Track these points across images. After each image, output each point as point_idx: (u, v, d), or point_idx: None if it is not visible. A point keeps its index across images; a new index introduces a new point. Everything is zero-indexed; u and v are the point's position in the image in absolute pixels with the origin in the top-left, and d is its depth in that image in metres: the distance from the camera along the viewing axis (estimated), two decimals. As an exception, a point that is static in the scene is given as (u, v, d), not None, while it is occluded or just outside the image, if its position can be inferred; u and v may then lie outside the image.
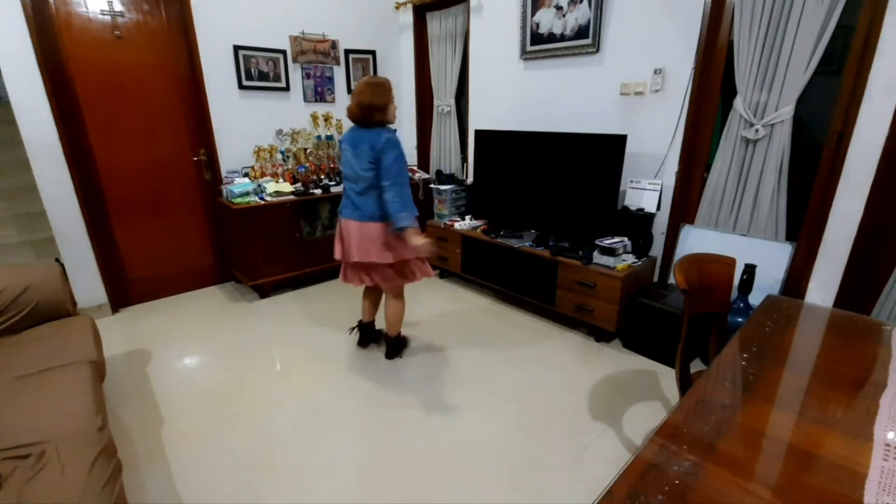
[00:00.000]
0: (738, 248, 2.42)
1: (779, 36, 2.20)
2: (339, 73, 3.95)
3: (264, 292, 3.46)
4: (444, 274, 3.86)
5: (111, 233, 3.20)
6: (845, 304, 2.18)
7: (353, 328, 2.77)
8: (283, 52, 3.58)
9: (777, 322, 1.48)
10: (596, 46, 2.84)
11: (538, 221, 3.15)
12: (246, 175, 3.48)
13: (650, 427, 2.01)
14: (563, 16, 2.96)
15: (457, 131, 4.13)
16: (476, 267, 3.44)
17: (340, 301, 3.35)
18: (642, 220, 2.68)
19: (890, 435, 0.95)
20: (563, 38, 3.00)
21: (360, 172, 2.18)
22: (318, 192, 3.50)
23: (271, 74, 3.57)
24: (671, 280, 2.79)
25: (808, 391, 1.14)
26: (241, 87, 3.43)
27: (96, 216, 3.08)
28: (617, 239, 2.68)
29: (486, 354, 2.65)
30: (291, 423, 2.10)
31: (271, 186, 3.37)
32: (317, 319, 3.10)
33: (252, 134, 3.58)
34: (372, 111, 2.16)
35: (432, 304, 3.35)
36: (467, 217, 3.64)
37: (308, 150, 3.78)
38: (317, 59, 3.79)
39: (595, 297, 2.67)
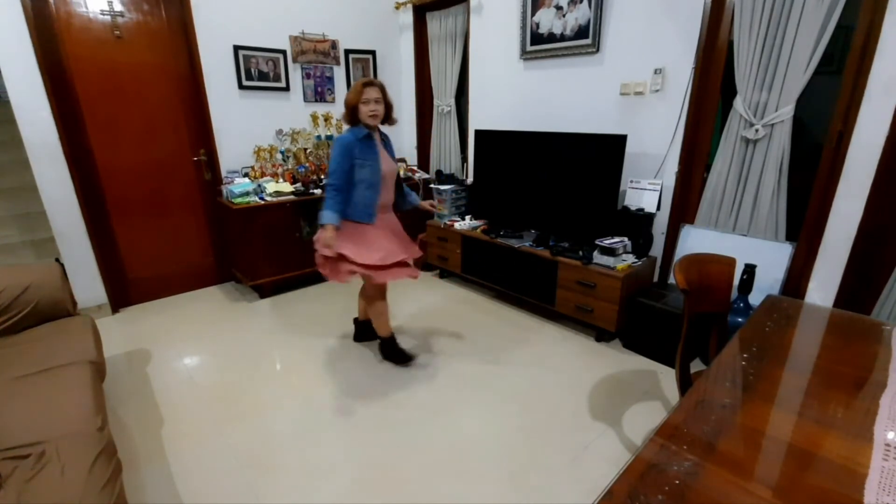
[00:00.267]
0: (738, 248, 2.42)
1: (779, 36, 2.20)
2: (339, 73, 3.95)
3: (264, 292, 3.46)
4: (444, 274, 3.86)
5: (111, 233, 3.20)
6: (845, 304, 2.18)
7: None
8: (283, 52, 3.58)
9: (777, 322, 1.48)
10: (596, 46, 2.84)
11: (538, 221, 3.15)
12: (246, 175, 3.48)
13: (650, 427, 2.01)
14: (563, 16, 2.96)
15: (457, 131, 4.13)
16: (476, 267, 3.44)
17: (340, 301, 3.35)
18: (642, 220, 2.68)
19: (890, 435, 0.95)
20: (563, 38, 3.00)
21: None
22: (318, 192, 3.49)
23: (271, 74, 3.57)
24: (671, 280, 2.79)
25: (808, 391, 1.14)
26: (241, 87, 3.44)
27: (96, 216, 3.08)
28: (617, 239, 2.68)
29: (486, 354, 2.65)
30: (291, 422, 2.10)
31: (271, 186, 3.37)
32: (317, 319, 3.10)
33: (252, 134, 3.58)
34: (346, 113, 2.29)
35: (432, 304, 3.35)
36: (467, 217, 3.64)
37: (308, 150, 3.78)
38: (317, 59, 3.79)
39: (595, 297, 2.67)
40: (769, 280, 2.35)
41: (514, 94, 3.44)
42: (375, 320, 2.52)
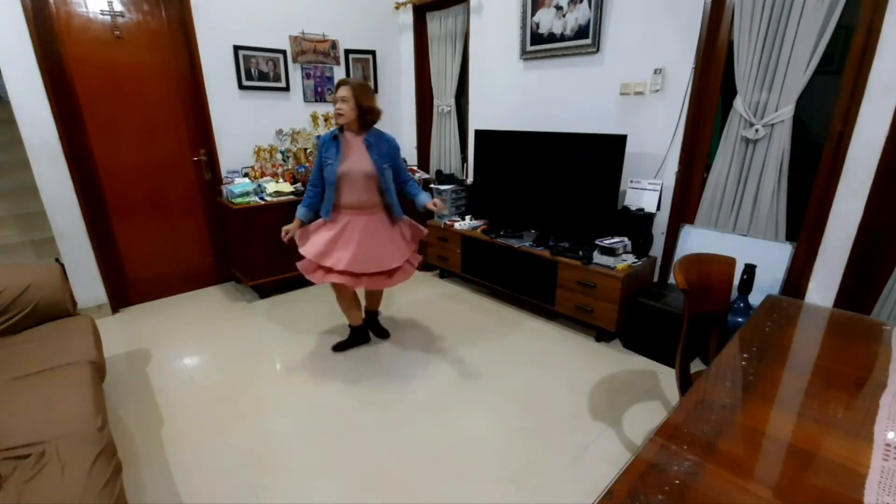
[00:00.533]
0: (738, 248, 2.42)
1: (779, 36, 2.20)
2: (339, 74, 3.95)
3: (264, 292, 3.46)
4: (444, 274, 3.86)
5: (111, 233, 3.20)
6: (845, 304, 2.18)
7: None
8: (283, 52, 3.58)
9: (777, 322, 1.48)
10: (596, 46, 2.84)
11: (538, 221, 3.15)
12: (246, 175, 3.48)
13: (650, 427, 2.01)
14: (563, 16, 2.96)
15: (457, 131, 4.13)
16: (476, 267, 3.44)
17: (340, 301, 3.35)
18: (642, 220, 2.68)
19: (890, 435, 0.95)
20: (563, 38, 3.00)
21: None
22: (318, 192, 3.50)
23: (271, 74, 3.57)
24: (671, 280, 2.79)
25: (808, 391, 1.14)
26: (241, 87, 3.43)
27: (96, 216, 3.08)
28: (617, 239, 2.68)
29: (486, 354, 2.65)
30: (291, 422, 2.10)
31: (271, 186, 3.37)
32: (317, 319, 3.10)
33: (252, 134, 3.58)
34: None
35: (432, 304, 3.35)
36: (467, 217, 3.64)
37: (308, 150, 3.78)
38: (317, 59, 3.79)
39: (595, 297, 2.67)
40: (769, 280, 2.35)
41: (514, 94, 3.44)
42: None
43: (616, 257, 2.63)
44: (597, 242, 2.68)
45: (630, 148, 2.64)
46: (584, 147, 2.79)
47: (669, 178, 2.70)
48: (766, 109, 2.29)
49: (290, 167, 3.68)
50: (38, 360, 1.79)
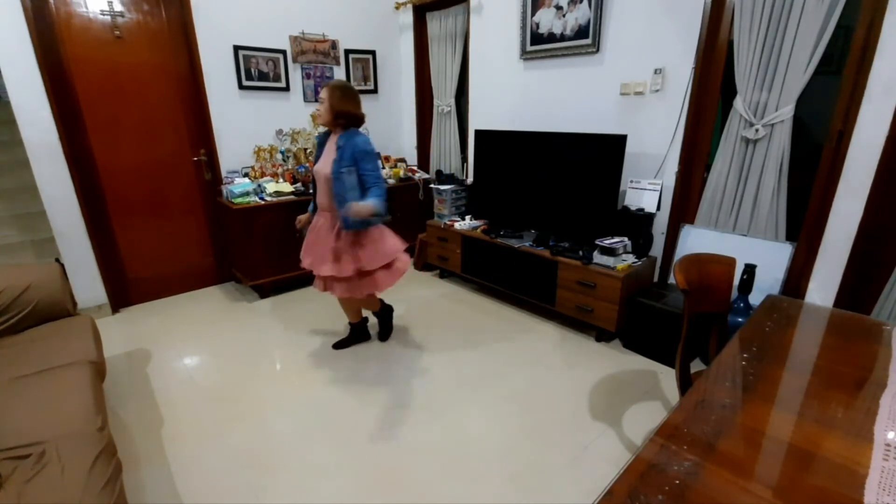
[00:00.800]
0: (738, 248, 2.42)
1: (779, 36, 2.20)
2: (339, 74, 3.95)
3: (264, 292, 3.46)
4: (444, 274, 3.86)
5: (111, 233, 3.20)
6: (845, 304, 2.18)
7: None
8: (283, 52, 3.58)
9: (777, 322, 1.48)
10: (596, 46, 2.84)
11: (538, 221, 3.15)
12: (246, 175, 3.48)
13: (650, 427, 2.01)
14: (563, 16, 2.96)
15: (457, 131, 4.13)
16: (476, 267, 3.44)
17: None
18: (642, 220, 2.68)
19: (890, 435, 0.95)
20: (563, 38, 3.00)
21: None
22: (318, 192, 3.50)
23: (271, 74, 3.57)
24: (671, 280, 2.79)
25: (808, 391, 1.14)
26: (241, 87, 3.43)
27: (96, 216, 3.08)
28: (617, 239, 2.68)
29: (487, 354, 2.65)
30: (291, 422, 2.10)
31: (271, 186, 3.37)
32: (317, 319, 3.10)
33: (252, 134, 3.58)
34: None
35: (432, 304, 3.35)
36: (467, 217, 3.64)
37: (308, 150, 3.78)
38: (317, 59, 3.79)
39: (595, 297, 2.67)
40: (769, 280, 2.35)
41: (514, 94, 3.44)
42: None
43: (616, 257, 2.63)
44: (597, 242, 2.68)
45: (630, 148, 2.64)
46: (584, 147, 2.79)
47: (669, 178, 2.70)
48: (766, 109, 2.29)
49: (290, 167, 3.68)
50: (38, 360, 1.79)
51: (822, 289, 2.26)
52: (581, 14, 2.86)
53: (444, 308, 3.30)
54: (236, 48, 3.35)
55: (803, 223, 2.33)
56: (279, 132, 3.70)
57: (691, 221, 2.71)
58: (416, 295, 3.50)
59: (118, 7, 2.93)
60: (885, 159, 1.98)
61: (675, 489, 0.83)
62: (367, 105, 4.12)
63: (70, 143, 2.86)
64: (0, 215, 3.65)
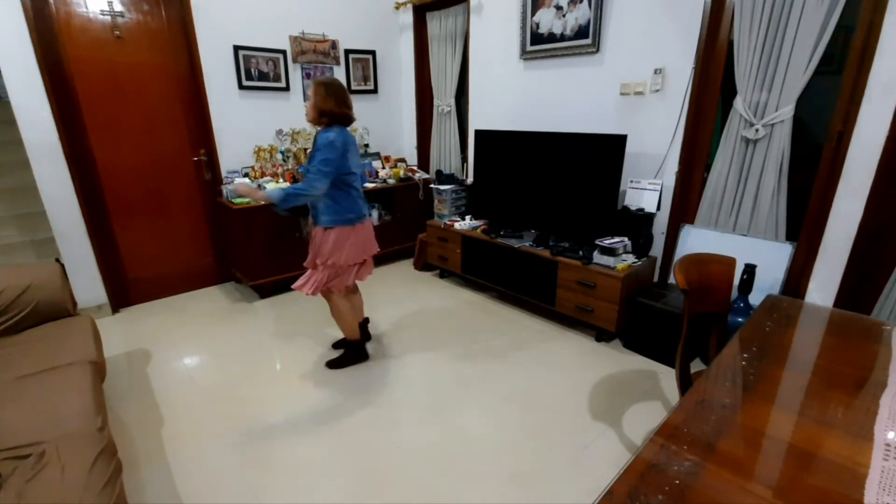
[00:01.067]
0: (738, 248, 2.42)
1: (779, 36, 2.20)
2: (339, 74, 3.95)
3: (264, 292, 3.46)
4: (444, 274, 3.86)
5: (111, 233, 3.20)
6: (845, 304, 2.18)
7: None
8: (283, 52, 3.58)
9: (777, 322, 1.48)
10: (596, 46, 2.84)
11: (538, 221, 3.15)
12: (246, 175, 3.48)
13: (650, 427, 2.01)
14: (563, 16, 2.96)
15: (457, 131, 4.13)
16: (476, 267, 3.44)
17: (340, 301, 3.35)
18: (642, 220, 2.68)
19: (890, 435, 0.95)
20: (563, 37, 3.00)
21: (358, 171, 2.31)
22: (318, 192, 3.49)
23: (271, 74, 3.57)
24: (671, 280, 2.79)
25: (808, 391, 1.14)
26: (241, 87, 3.43)
27: (96, 216, 3.08)
28: (617, 239, 2.68)
29: (486, 354, 2.65)
30: (291, 422, 2.10)
31: (271, 186, 3.37)
32: (317, 319, 3.10)
33: (252, 134, 3.58)
34: None
35: (432, 304, 3.35)
36: (467, 217, 3.64)
37: (308, 151, 3.77)
38: (317, 59, 3.79)
39: (595, 297, 2.67)
40: (769, 280, 2.35)
41: (514, 94, 3.44)
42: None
43: (616, 257, 2.63)
44: (597, 242, 2.68)
45: (630, 148, 2.64)
46: (584, 147, 2.79)
47: (669, 178, 2.70)
48: (766, 109, 2.29)
49: (290, 167, 3.68)
50: (38, 360, 1.79)
51: (822, 289, 2.26)
52: (581, 14, 2.86)
53: (443, 308, 3.29)
54: (236, 48, 3.35)
55: (803, 223, 2.33)
56: (279, 132, 3.70)
57: (691, 221, 2.71)
58: (415, 295, 3.50)
59: (118, 7, 2.93)
60: (885, 159, 1.98)
61: (675, 489, 0.83)
62: (367, 105, 4.19)
63: (70, 143, 2.86)
64: (0, 215, 3.65)
